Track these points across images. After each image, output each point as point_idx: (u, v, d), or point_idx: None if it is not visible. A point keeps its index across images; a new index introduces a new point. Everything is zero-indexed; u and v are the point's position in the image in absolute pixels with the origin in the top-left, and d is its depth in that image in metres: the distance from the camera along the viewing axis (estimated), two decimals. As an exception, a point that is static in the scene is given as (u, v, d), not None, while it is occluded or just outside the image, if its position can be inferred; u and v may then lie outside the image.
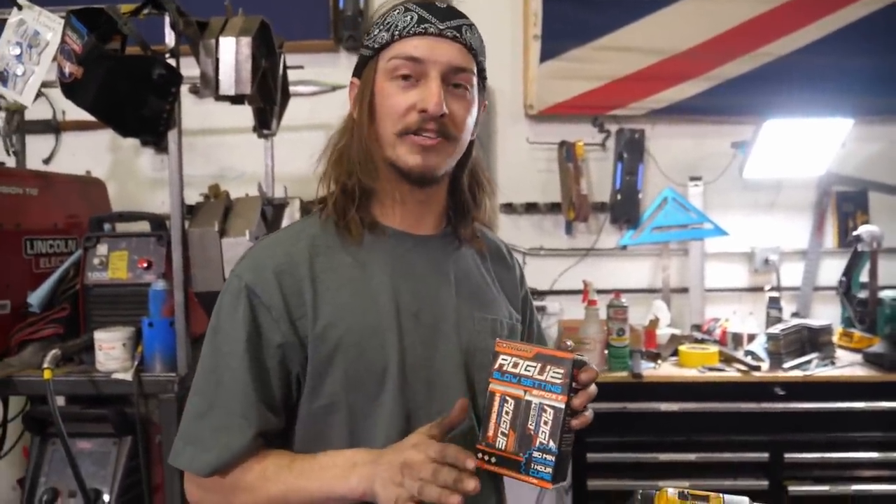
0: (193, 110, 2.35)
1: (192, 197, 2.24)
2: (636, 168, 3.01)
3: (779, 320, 2.69)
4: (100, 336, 1.94)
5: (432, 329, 1.03)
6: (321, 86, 3.01)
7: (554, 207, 3.04)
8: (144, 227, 2.21)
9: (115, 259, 2.07)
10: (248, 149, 2.88)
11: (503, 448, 0.89)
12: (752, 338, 2.67)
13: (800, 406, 2.39)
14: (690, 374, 2.45)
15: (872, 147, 3.06)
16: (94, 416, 2.01)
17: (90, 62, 1.63)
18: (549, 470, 0.85)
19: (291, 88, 2.51)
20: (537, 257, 3.03)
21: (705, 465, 2.40)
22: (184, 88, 1.90)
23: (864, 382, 2.41)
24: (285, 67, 2.38)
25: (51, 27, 1.81)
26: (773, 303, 2.79)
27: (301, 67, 2.56)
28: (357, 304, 1.00)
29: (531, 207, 3.02)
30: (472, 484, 0.84)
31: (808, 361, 2.47)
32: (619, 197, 3.03)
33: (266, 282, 0.98)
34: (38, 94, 1.93)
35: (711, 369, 2.46)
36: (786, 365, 2.44)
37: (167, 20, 1.83)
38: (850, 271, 2.67)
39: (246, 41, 1.89)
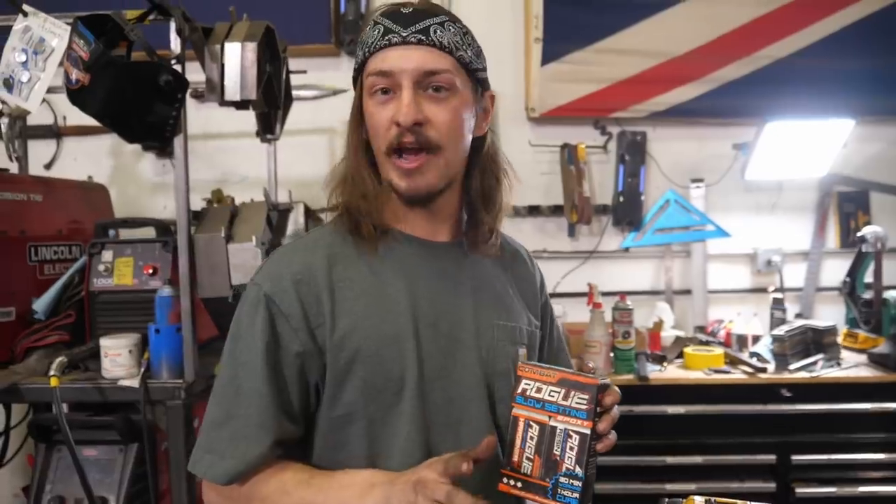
0: (195, 115, 2.34)
1: (196, 202, 2.24)
2: (638, 170, 3.02)
3: (783, 321, 2.70)
4: (106, 343, 1.92)
5: (450, 338, 1.03)
6: (323, 90, 3.00)
7: (556, 210, 3.04)
8: (148, 232, 2.20)
9: (121, 265, 2.06)
10: (250, 153, 2.88)
11: (529, 473, 0.89)
12: (756, 339, 2.67)
13: (806, 408, 2.40)
14: (696, 376, 2.45)
15: (873, 147, 3.07)
16: (99, 424, 2.00)
17: (97, 69, 1.62)
18: (576, 495, 0.86)
19: (293, 93, 2.50)
20: (540, 260, 2.95)
21: (713, 468, 2.41)
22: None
23: (870, 383, 2.41)
24: (288, 72, 2.38)
25: (56, 33, 1.80)
26: (777, 304, 2.79)
27: (304, 72, 2.56)
28: (375, 314, 0.99)
29: (534, 210, 3.03)
30: None
31: (814, 363, 2.48)
32: (621, 199, 3.03)
33: (284, 291, 0.98)
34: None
35: (717, 371, 2.46)
36: (792, 366, 2.44)
37: (172, 26, 1.82)
38: (854, 272, 2.67)
39: (251, 46, 1.89)
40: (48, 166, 3.09)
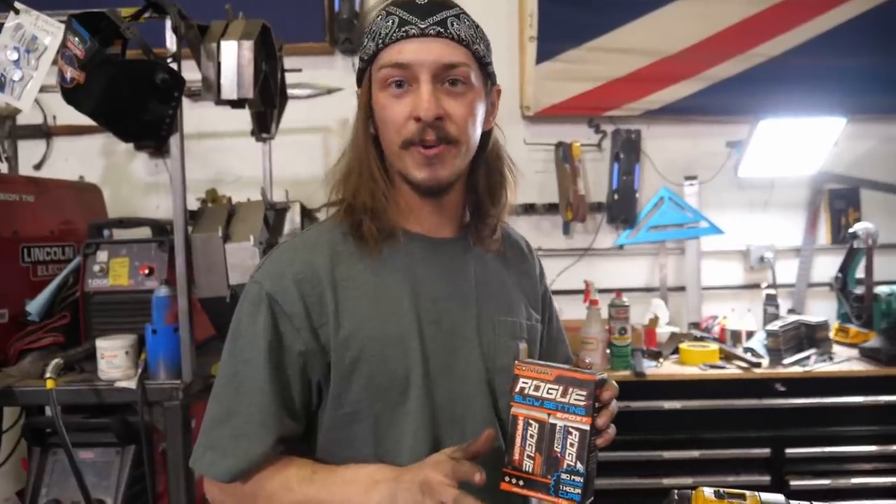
0: (188, 114, 2.31)
1: (190, 202, 2.21)
2: (632, 168, 3.03)
3: (776, 317, 2.72)
4: (102, 344, 1.91)
5: (454, 334, 1.03)
6: (317, 88, 3.00)
7: (552, 208, 3.05)
8: (143, 233, 2.19)
9: (116, 266, 2.04)
10: (244, 152, 2.86)
11: (530, 471, 0.90)
12: (750, 335, 2.69)
13: (800, 401, 2.42)
14: (692, 371, 2.47)
15: (864, 145, 3.10)
16: (95, 426, 1.98)
17: (93, 67, 1.60)
18: (578, 490, 0.87)
19: (287, 91, 2.49)
20: (535, 258, 3.03)
21: (709, 462, 2.43)
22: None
23: (862, 377, 2.44)
24: (283, 70, 2.37)
25: (49, 31, 1.77)
26: (770, 300, 2.82)
27: (299, 70, 2.55)
28: (378, 313, 0.99)
29: (529, 208, 3.03)
30: None
31: (807, 357, 2.50)
32: (615, 197, 3.05)
33: (287, 290, 0.97)
34: (30, 99, 1.90)
35: (713, 367, 2.47)
36: (785, 361, 2.46)
37: (168, 24, 1.81)
38: (846, 268, 2.70)
39: (248, 45, 1.87)
40: (38, 166, 3.06)
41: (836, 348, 2.63)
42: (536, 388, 0.91)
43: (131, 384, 1.88)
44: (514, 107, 3.03)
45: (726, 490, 0.81)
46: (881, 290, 2.57)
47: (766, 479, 2.42)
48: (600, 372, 0.92)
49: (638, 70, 2.98)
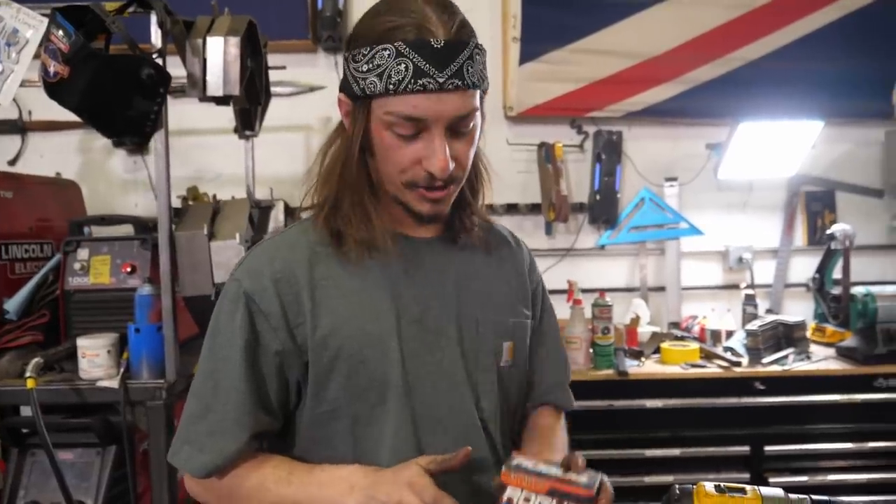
0: (169, 111, 2.29)
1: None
2: (614, 169, 3.06)
3: (755, 317, 2.77)
4: (83, 343, 1.88)
5: (434, 333, 1.02)
6: (299, 86, 2.98)
7: (534, 208, 3.07)
8: (124, 230, 2.15)
9: (98, 264, 2.02)
10: (225, 150, 2.84)
11: None
12: (729, 334, 2.73)
13: (779, 400, 2.46)
14: (673, 370, 2.49)
15: (840, 148, 3.16)
16: (76, 426, 1.95)
17: (77, 61, 1.58)
18: None
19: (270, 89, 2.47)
20: (518, 258, 3.04)
21: (690, 460, 2.45)
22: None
23: (838, 375, 2.48)
24: (266, 67, 2.35)
25: (31, 25, 1.75)
26: (749, 300, 2.86)
27: (283, 68, 2.53)
28: (357, 313, 0.99)
29: (511, 208, 3.05)
30: None
31: (785, 356, 2.54)
32: (597, 197, 3.07)
33: (264, 289, 0.97)
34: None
35: (693, 366, 2.50)
36: (764, 360, 2.50)
37: (153, 19, 1.79)
38: (823, 268, 2.75)
39: (234, 41, 1.86)
40: (12, 162, 3.00)
41: (813, 347, 2.68)
42: (527, 500, 0.86)
43: (113, 383, 1.86)
44: (497, 107, 3.04)
45: (727, 485, 0.82)
46: (857, 290, 2.62)
47: (746, 476, 2.45)
48: (595, 478, 0.88)
49: (620, 72, 3.00)
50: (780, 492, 0.81)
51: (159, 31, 1.78)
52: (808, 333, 2.74)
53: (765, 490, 0.80)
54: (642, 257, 3.13)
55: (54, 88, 1.63)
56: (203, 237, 1.90)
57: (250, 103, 2.22)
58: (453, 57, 0.90)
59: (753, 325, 2.58)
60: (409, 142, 0.93)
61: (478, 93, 0.95)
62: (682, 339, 2.76)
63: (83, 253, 2.03)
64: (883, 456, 2.50)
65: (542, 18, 2.96)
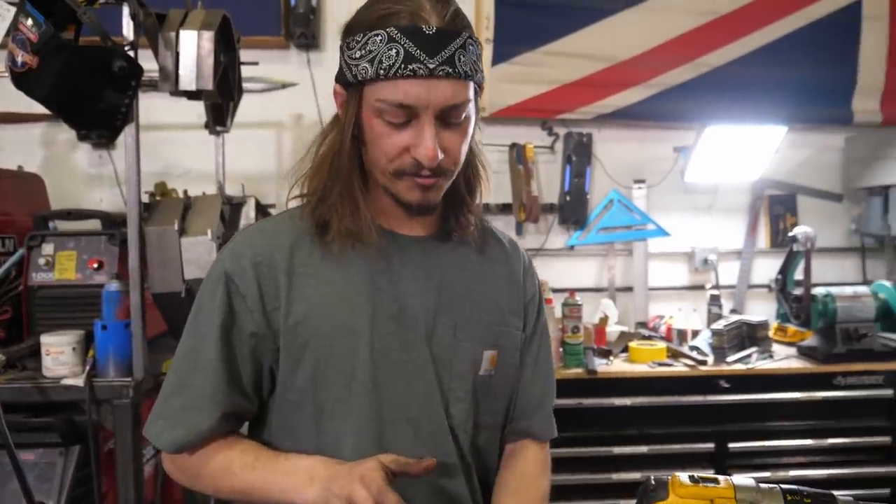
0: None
1: (138, 195, 2.15)
2: (584, 170, 3.10)
3: (719, 317, 2.83)
4: (47, 340, 1.83)
5: (413, 333, 1.00)
6: (271, 83, 2.95)
7: (505, 208, 3.09)
8: (90, 225, 2.11)
9: (63, 259, 1.97)
10: (193, 145, 2.80)
11: None
12: (695, 334, 2.79)
13: (742, 398, 2.53)
14: (641, 369, 2.54)
15: (801, 154, 3.25)
16: (38, 426, 1.90)
17: (47, 52, 1.54)
18: None
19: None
20: (488, 257, 3.06)
21: (656, 457, 2.50)
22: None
23: (800, 374, 2.56)
24: (239, 63, 2.32)
25: (-3, 13, 1.70)
26: (714, 300, 2.93)
27: (256, 64, 2.50)
28: (332, 303, 0.98)
29: (483, 208, 3.05)
30: None
31: (749, 355, 2.61)
32: (567, 198, 3.11)
33: (244, 271, 0.98)
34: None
35: (661, 364, 2.55)
36: (729, 359, 2.56)
37: (125, 10, 1.75)
38: (785, 270, 2.82)
39: (208, 35, 1.83)
40: (-28, 155, 2.91)
41: (775, 347, 2.76)
42: None
43: (78, 381, 1.81)
44: (469, 107, 3.05)
45: (701, 476, 0.84)
46: (818, 291, 2.69)
47: (711, 472, 2.49)
48: None
49: (590, 75, 3.05)
50: (751, 481, 0.83)
51: (131, 23, 1.75)
52: (771, 333, 2.81)
53: (737, 480, 0.82)
54: (611, 258, 3.18)
55: (22, 79, 1.59)
56: (174, 233, 1.86)
57: (223, 99, 2.19)
58: (445, 44, 0.89)
59: (718, 325, 2.64)
60: (399, 130, 0.92)
61: (471, 84, 0.94)
62: (649, 338, 2.81)
63: (48, 248, 1.98)
64: (841, 452, 2.58)
65: (514, 20, 2.99)
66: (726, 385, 2.51)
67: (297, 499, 0.92)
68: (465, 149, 0.98)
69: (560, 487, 2.46)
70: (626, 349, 2.69)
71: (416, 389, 1.00)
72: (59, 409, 1.89)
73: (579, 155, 3.09)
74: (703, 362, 2.55)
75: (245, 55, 2.43)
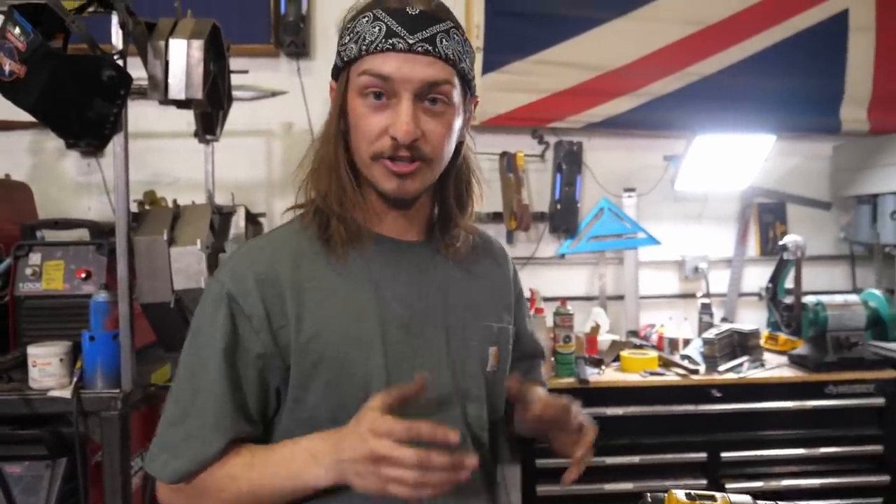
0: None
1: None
2: (574, 179, 3.10)
3: (710, 325, 2.83)
4: (34, 351, 1.81)
5: (424, 338, 1.01)
6: (261, 91, 2.93)
7: (496, 217, 3.09)
8: (78, 235, 2.09)
9: (50, 269, 1.94)
10: (182, 154, 2.78)
11: None
12: (686, 342, 2.79)
13: (734, 407, 2.52)
14: (633, 378, 2.53)
15: (790, 162, 3.27)
16: (24, 438, 1.87)
17: (35, 61, 1.53)
18: None
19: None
20: (480, 266, 3.06)
21: (648, 467, 2.49)
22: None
23: (791, 383, 2.56)
24: (229, 71, 2.31)
25: (-17, 21, 1.68)
26: (705, 308, 2.93)
27: (246, 72, 2.49)
28: (341, 316, 0.97)
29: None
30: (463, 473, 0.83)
31: (740, 364, 2.61)
32: (558, 207, 3.11)
33: (248, 291, 0.96)
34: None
35: (653, 374, 2.55)
36: (721, 368, 2.56)
37: (114, 19, 1.74)
38: (775, 278, 2.84)
39: (198, 44, 1.82)
40: (-43, 164, 2.88)
41: (766, 355, 2.76)
42: None
43: (66, 393, 1.79)
44: (460, 116, 3.05)
45: (697, 493, 0.83)
46: (808, 299, 2.70)
47: (703, 482, 2.50)
48: None
49: (581, 84, 3.05)
50: (748, 499, 0.82)
51: (120, 32, 1.74)
52: (762, 342, 2.82)
53: (734, 497, 0.82)
54: (601, 266, 3.18)
55: (9, 87, 1.57)
56: (163, 242, 1.85)
57: (212, 107, 2.18)
58: (427, 25, 0.94)
59: (710, 334, 2.64)
60: (379, 111, 0.95)
61: (453, 71, 0.96)
62: (640, 347, 2.81)
63: (35, 258, 1.96)
64: (833, 461, 2.58)
65: (505, 29, 2.99)
66: (718, 394, 2.51)
67: (309, 480, 0.90)
68: (448, 142, 0.99)
69: (552, 498, 2.45)
70: (617, 358, 2.69)
71: (431, 393, 0.98)
72: (46, 422, 1.87)
73: (569, 163, 3.10)
74: (695, 371, 2.54)
75: (235, 63, 2.42)
